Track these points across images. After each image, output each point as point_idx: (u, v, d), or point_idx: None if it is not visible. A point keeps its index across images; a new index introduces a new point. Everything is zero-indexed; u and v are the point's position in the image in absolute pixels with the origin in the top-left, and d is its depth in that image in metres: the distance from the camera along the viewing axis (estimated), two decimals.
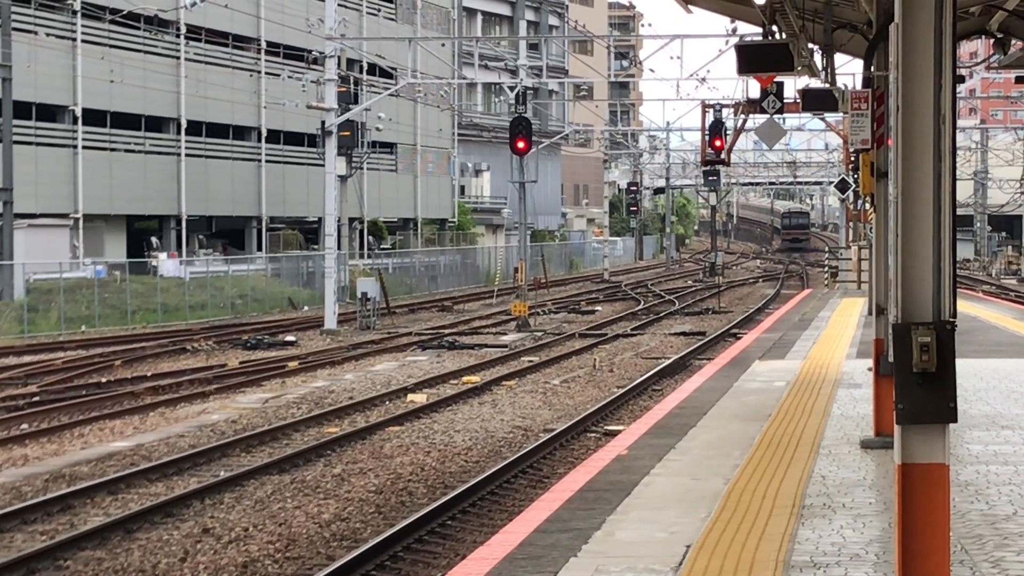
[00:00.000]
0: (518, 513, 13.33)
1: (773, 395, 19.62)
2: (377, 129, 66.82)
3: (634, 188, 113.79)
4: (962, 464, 13.62)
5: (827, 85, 19.90)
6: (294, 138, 70.64)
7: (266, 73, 67.47)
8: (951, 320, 6.50)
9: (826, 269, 66.77)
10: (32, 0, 55.01)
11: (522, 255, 50.83)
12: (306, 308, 55.90)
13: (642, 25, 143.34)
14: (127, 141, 60.37)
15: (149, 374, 33.27)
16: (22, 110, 53.35)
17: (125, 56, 58.96)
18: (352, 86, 55.75)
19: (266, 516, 17.10)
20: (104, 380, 32.21)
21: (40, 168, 54.95)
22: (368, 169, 71.97)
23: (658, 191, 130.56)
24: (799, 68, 17.78)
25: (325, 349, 39.46)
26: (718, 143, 44.37)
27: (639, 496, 12.38)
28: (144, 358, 37.15)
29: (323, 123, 48.37)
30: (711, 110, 45.26)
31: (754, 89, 35.29)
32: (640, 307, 55.59)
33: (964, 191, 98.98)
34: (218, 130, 66.12)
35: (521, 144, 46.58)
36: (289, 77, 59.85)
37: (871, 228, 28.59)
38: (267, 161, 69.19)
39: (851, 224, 71.80)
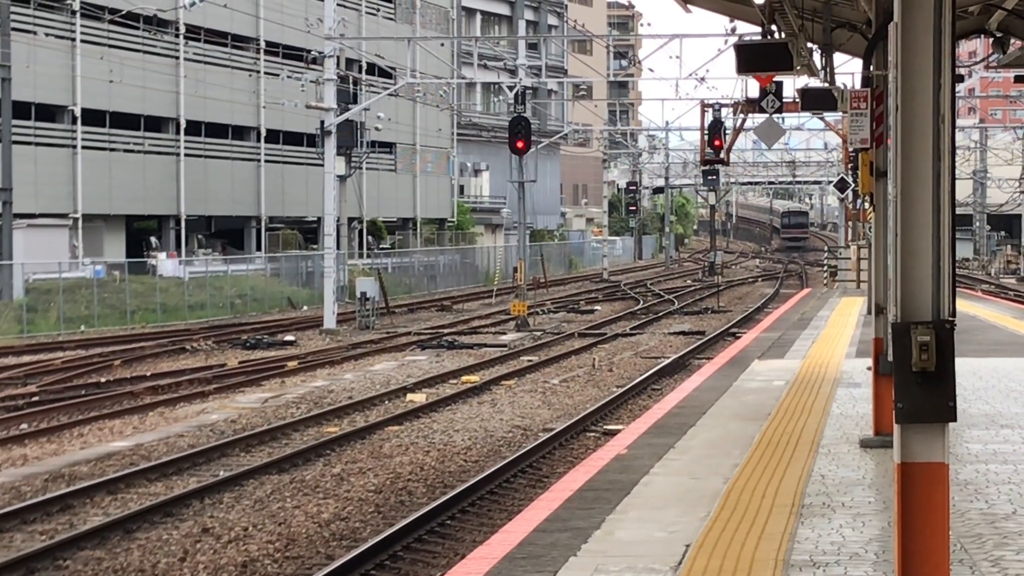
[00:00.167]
0: (517, 512, 13.33)
1: (772, 394, 19.62)
2: (376, 129, 66.83)
3: (633, 188, 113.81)
4: (961, 463, 13.62)
5: (826, 84, 19.90)
6: (293, 138, 70.64)
7: (265, 73, 67.47)
8: (950, 319, 6.51)
9: (825, 268, 66.78)
10: (31, 0, 55.00)
11: (521, 255, 50.83)
12: (305, 308, 55.90)
13: (641, 25, 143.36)
14: (126, 141, 60.37)
15: (148, 374, 33.27)
16: (21, 110, 53.34)
17: (124, 56, 58.96)
18: (351, 86, 55.82)
19: (265, 516, 17.10)
20: (103, 380, 32.21)
21: (39, 168, 54.95)
22: (367, 169, 71.97)
23: (657, 191, 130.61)
24: (798, 67, 17.77)
25: (324, 349, 39.46)
26: (717, 142, 44.41)
27: (638, 495, 12.38)
28: (143, 358, 37.14)
29: (322, 123, 48.37)
30: (710, 109, 45.31)
31: (753, 88, 35.33)
32: (639, 306, 55.59)
33: (963, 190, 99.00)
34: (217, 130, 66.12)
35: (520, 144, 46.59)
36: (288, 77, 59.86)
37: (870, 227, 28.59)
38: (266, 161, 69.18)
39: (850, 223, 71.82)
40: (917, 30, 6.49)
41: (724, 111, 45.43)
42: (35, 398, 28.91)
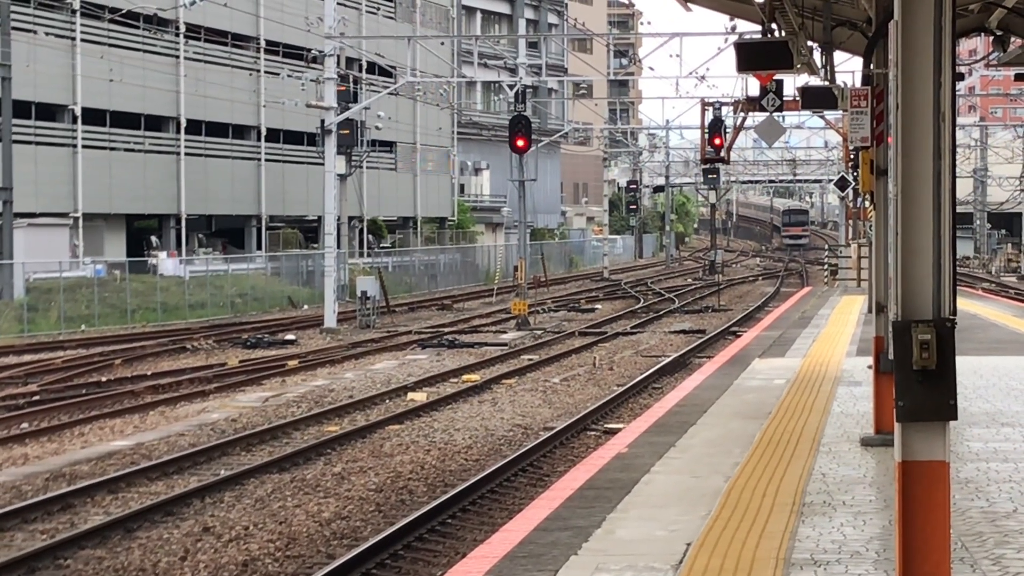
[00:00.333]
0: (518, 511, 13.32)
1: (773, 393, 19.62)
2: (376, 128, 66.84)
3: (634, 186, 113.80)
4: (962, 461, 13.62)
5: (826, 83, 19.89)
6: (294, 137, 70.64)
7: (265, 72, 67.46)
8: (951, 317, 6.51)
9: (826, 267, 66.78)
10: None
11: (522, 253, 50.82)
12: (306, 307, 55.91)
13: (641, 23, 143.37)
14: (126, 140, 60.38)
15: (149, 373, 33.27)
16: (21, 109, 53.35)
17: (124, 55, 58.97)
18: (351, 85, 55.72)
19: (266, 515, 17.10)
20: (104, 379, 32.22)
21: (40, 167, 54.95)
22: (368, 168, 71.96)
23: (658, 189, 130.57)
24: (798, 66, 17.78)
25: (325, 348, 39.47)
26: (718, 141, 44.41)
27: (639, 494, 12.38)
28: (144, 357, 37.15)
29: (323, 122, 48.37)
30: (711, 108, 45.32)
31: (753, 87, 35.36)
32: (640, 305, 55.59)
33: (964, 189, 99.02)
34: (217, 129, 66.13)
35: (520, 142, 46.58)
36: (288, 76, 59.86)
37: (871, 226, 28.59)
38: (267, 160, 69.19)
39: (851, 222, 71.81)
40: (917, 28, 6.49)
41: (724, 109, 45.45)
42: (36, 397, 28.91)
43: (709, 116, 44.76)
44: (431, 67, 69.52)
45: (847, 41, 18.79)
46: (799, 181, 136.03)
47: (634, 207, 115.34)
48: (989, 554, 9.94)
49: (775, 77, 30.34)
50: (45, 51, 55.07)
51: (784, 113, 36.47)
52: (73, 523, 17.03)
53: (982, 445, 14.67)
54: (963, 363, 21.35)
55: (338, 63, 50.40)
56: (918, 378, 6.48)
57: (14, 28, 51.40)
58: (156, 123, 62.46)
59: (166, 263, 56.69)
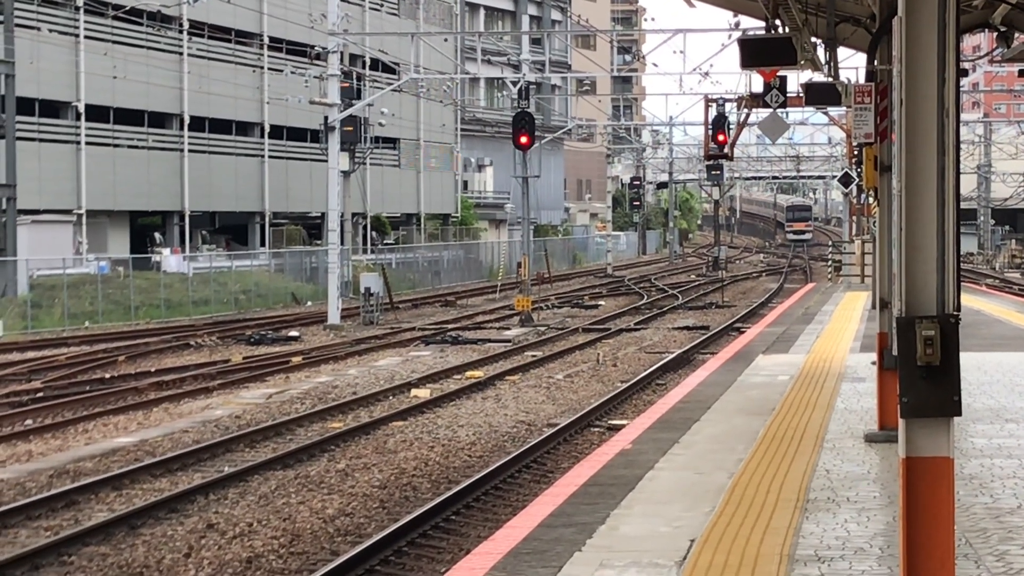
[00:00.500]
0: (522, 508, 13.33)
1: (777, 389, 19.61)
2: (380, 124, 66.86)
3: (637, 183, 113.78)
4: (966, 458, 13.61)
5: (830, 79, 19.88)
6: (297, 134, 70.66)
7: (269, 69, 67.48)
8: (955, 314, 6.50)
9: (829, 263, 66.76)
10: None
11: (525, 250, 50.82)
12: (309, 303, 55.93)
13: (645, 19, 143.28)
14: (130, 137, 60.40)
15: (153, 370, 33.29)
16: (25, 106, 53.39)
17: (128, 52, 58.99)
18: (355, 81, 55.79)
19: (270, 511, 17.11)
20: (108, 376, 32.24)
21: (43, 164, 54.98)
22: (371, 164, 71.99)
23: (661, 186, 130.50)
24: (802, 62, 17.75)
25: (328, 344, 39.47)
26: (721, 137, 44.36)
27: (643, 491, 12.38)
28: (148, 354, 37.17)
29: (326, 119, 48.37)
30: (714, 104, 45.26)
31: (757, 83, 35.27)
32: (643, 302, 55.58)
33: (967, 185, 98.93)
34: (221, 126, 66.15)
35: (524, 139, 46.57)
36: (292, 73, 59.86)
37: (874, 222, 28.57)
38: (270, 157, 69.21)
39: (854, 218, 71.79)
40: (921, 24, 6.49)
41: (728, 106, 45.40)
42: (39, 394, 28.93)
43: (713, 112, 44.70)
44: (434, 63, 69.59)
45: (851, 37, 18.78)
46: (803, 177, 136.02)
47: (637, 203, 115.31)
48: (993, 550, 9.94)
49: (779, 73, 30.28)
50: (49, 48, 55.08)
51: (788, 109, 36.41)
52: (77, 520, 17.04)
53: (986, 441, 14.66)
54: (967, 359, 21.27)
55: (341, 60, 50.40)
56: (922, 374, 6.48)
57: (18, 25, 51.43)
58: (160, 120, 62.49)
59: (170, 260, 56.72)
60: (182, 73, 62.48)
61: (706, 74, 69.70)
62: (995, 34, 17.76)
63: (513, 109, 51.67)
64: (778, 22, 17.19)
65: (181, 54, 62.70)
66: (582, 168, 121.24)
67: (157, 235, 61.53)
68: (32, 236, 51.80)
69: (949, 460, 6.56)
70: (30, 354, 37.34)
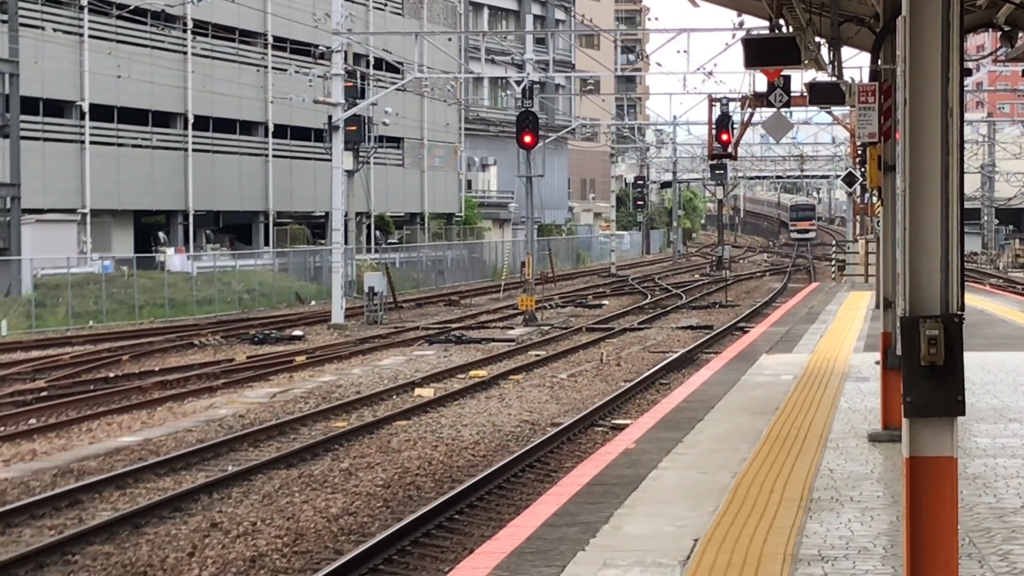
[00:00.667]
0: (526, 507, 13.33)
1: (780, 389, 19.61)
2: (384, 124, 66.89)
3: (641, 182, 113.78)
4: (970, 457, 13.61)
5: (834, 79, 19.86)
6: (301, 133, 70.68)
7: (273, 68, 67.51)
8: (959, 313, 6.50)
9: (833, 263, 66.74)
10: None
11: (529, 249, 50.82)
12: (313, 303, 55.94)
13: (648, 19, 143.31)
14: (134, 136, 60.44)
15: (157, 369, 33.31)
16: (29, 105, 53.42)
17: (132, 51, 59.02)
18: (359, 81, 55.79)
19: (274, 510, 17.12)
20: (112, 375, 32.26)
21: (47, 163, 55.02)
22: (375, 164, 72.02)
23: (665, 185, 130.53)
24: (806, 62, 17.74)
25: (332, 344, 39.48)
26: (725, 137, 44.35)
27: (647, 490, 12.38)
28: (151, 353, 37.19)
29: (330, 118, 48.39)
30: (718, 104, 45.25)
31: (761, 83, 35.28)
32: (647, 301, 55.58)
33: (971, 184, 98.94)
34: (225, 125, 66.18)
35: (528, 138, 46.57)
36: (296, 72, 59.87)
37: (878, 221, 28.58)
38: (274, 156, 69.23)
39: (858, 217, 71.76)
40: (925, 24, 6.48)
41: (732, 105, 45.40)
42: (44, 393, 28.95)
43: (716, 112, 44.70)
44: (438, 63, 69.60)
45: (855, 37, 18.77)
46: (806, 177, 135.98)
47: (641, 203, 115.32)
48: (997, 550, 9.94)
49: (783, 73, 30.28)
50: (53, 47, 55.12)
51: (791, 109, 36.44)
52: (81, 519, 17.05)
53: (990, 441, 14.66)
54: (971, 359, 21.33)
55: (345, 59, 50.40)
56: (926, 374, 6.48)
57: (22, 24, 51.46)
58: (164, 119, 62.52)
59: (174, 259, 56.75)
60: (186, 72, 62.51)
61: (710, 73, 69.75)
62: (999, 34, 17.75)
63: (517, 108, 51.66)
64: (782, 21, 17.18)
65: (185, 53, 62.73)
66: (586, 167, 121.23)
67: (161, 234, 61.56)
68: (36, 235, 51.84)
69: (953, 460, 6.56)
70: (34, 353, 37.36)
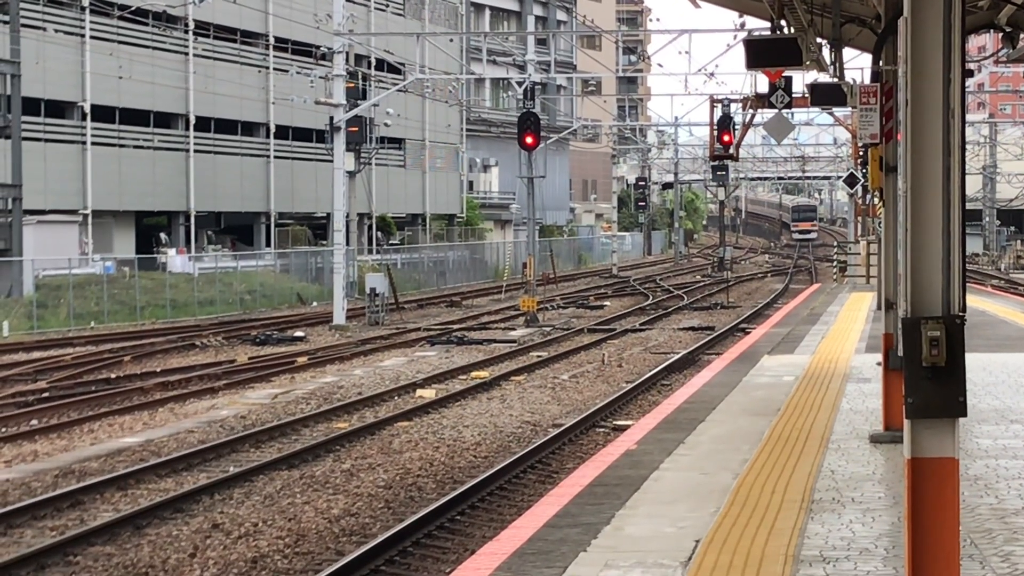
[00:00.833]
0: (527, 508, 13.33)
1: (782, 390, 19.61)
2: (385, 125, 66.92)
3: (642, 183, 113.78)
4: (971, 458, 13.61)
5: (836, 80, 19.87)
6: (302, 134, 70.68)
7: (274, 69, 67.53)
8: (961, 314, 6.50)
9: (835, 264, 66.73)
10: None
11: (531, 250, 50.82)
12: (315, 304, 55.95)
13: (650, 20, 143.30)
14: (136, 137, 60.46)
15: (158, 370, 33.31)
16: (31, 106, 53.44)
17: (134, 52, 59.04)
18: (360, 82, 55.80)
19: (275, 511, 17.12)
20: (113, 376, 32.27)
21: (49, 164, 55.03)
22: (376, 165, 72.02)
23: (666, 186, 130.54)
24: (807, 63, 17.75)
25: (334, 345, 39.49)
26: (726, 138, 44.38)
27: (648, 491, 12.38)
28: (153, 354, 37.20)
29: (331, 119, 48.39)
30: (719, 105, 45.28)
31: (762, 84, 35.31)
32: (649, 302, 55.58)
33: (973, 185, 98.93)
34: (227, 126, 66.19)
35: (529, 139, 46.57)
36: (297, 73, 59.87)
37: (880, 222, 28.58)
38: (276, 157, 69.24)
39: (860, 218, 71.75)
40: (927, 25, 6.48)
41: (733, 106, 45.44)
42: (45, 394, 28.96)
43: (718, 113, 44.74)
44: (440, 64, 69.61)
45: (856, 38, 18.77)
46: (808, 178, 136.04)
47: (643, 204, 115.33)
48: (998, 551, 9.94)
49: (784, 74, 30.28)
50: (54, 48, 55.14)
51: (793, 110, 36.43)
52: (83, 520, 17.05)
53: (991, 442, 14.66)
54: (972, 360, 21.32)
55: (347, 60, 50.43)
56: (927, 375, 6.48)
57: (24, 25, 51.49)
58: (165, 120, 62.53)
59: (175, 260, 56.77)
60: (187, 73, 62.52)
61: (711, 74, 69.52)
62: (1000, 35, 17.75)
63: (518, 109, 51.68)
64: (783, 23, 17.18)
65: (187, 54, 62.75)
66: (587, 168, 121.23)
67: (163, 235, 61.59)
68: (38, 236, 51.86)
69: (954, 461, 6.56)
70: (36, 354, 37.38)
